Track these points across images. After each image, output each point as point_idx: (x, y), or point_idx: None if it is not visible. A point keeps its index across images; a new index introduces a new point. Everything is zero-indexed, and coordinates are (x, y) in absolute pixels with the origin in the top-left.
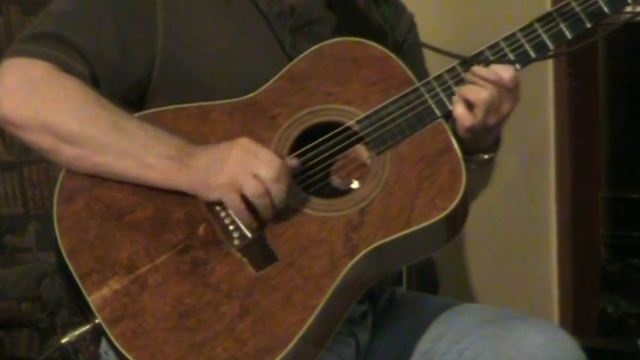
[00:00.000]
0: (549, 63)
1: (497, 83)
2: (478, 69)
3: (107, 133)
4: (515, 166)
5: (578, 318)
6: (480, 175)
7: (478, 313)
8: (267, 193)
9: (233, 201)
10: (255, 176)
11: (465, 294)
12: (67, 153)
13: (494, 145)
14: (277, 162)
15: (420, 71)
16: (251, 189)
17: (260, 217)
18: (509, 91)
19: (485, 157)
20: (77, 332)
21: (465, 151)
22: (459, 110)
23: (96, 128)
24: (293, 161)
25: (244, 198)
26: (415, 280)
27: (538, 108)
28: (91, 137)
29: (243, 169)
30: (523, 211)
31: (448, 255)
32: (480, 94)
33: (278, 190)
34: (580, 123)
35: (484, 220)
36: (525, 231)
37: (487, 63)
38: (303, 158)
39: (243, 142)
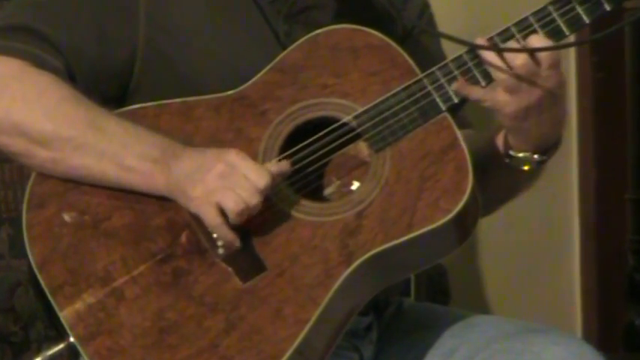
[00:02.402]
0: (571, 52)
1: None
2: (488, 55)
3: (84, 132)
4: None
5: (602, 331)
6: (523, 178)
7: (494, 325)
8: (246, 211)
9: (209, 215)
10: (237, 194)
11: (479, 304)
12: (41, 156)
13: (553, 148)
14: (265, 181)
15: (436, 59)
16: (230, 205)
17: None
18: (536, 76)
19: (535, 157)
20: (50, 352)
21: (510, 147)
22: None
23: (72, 128)
24: (283, 165)
25: (222, 213)
26: (424, 290)
27: None
28: (66, 138)
29: (224, 184)
30: (543, 214)
31: (460, 262)
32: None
33: (256, 207)
34: (605, 117)
35: (500, 224)
36: (545, 236)
37: (498, 51)
38: (295, 158)
39: (233, 157)
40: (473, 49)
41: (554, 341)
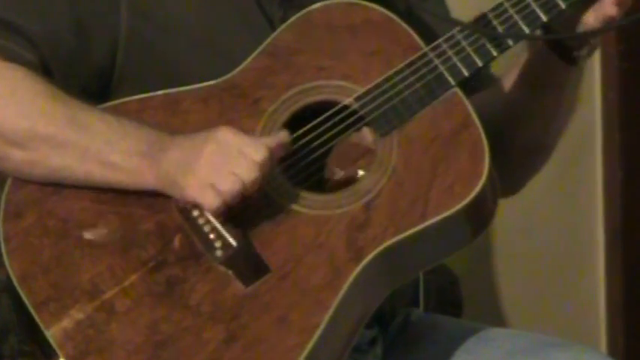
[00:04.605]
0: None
1: None
2: None
3: (63, 129)
4: (555, 163)
5: (629, 346)
6: (574, 80)
7: (510, 339)
8: (244, 192)
9: (207, 200)
10: (232, 173)
11: (493, 317)
12: (17, 157)
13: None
14: (261, 154)
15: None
16: (227, 185)
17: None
18: None
19: (592, 42)
20: None
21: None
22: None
23: (49, 125)
24: (282, 137)
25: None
26: (434, 300)
27: (582, 93)
28: (44, 136)
29: (218, 164)
30: (564, 217)
31: (474, 270)
32: None
33: (255, 184)
34: (632, 111)
35: (517, 229)
36: (566, 242)
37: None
38: (294, 147)
39: (223, 134)
40: (484, 17)
41: (577, 357)
